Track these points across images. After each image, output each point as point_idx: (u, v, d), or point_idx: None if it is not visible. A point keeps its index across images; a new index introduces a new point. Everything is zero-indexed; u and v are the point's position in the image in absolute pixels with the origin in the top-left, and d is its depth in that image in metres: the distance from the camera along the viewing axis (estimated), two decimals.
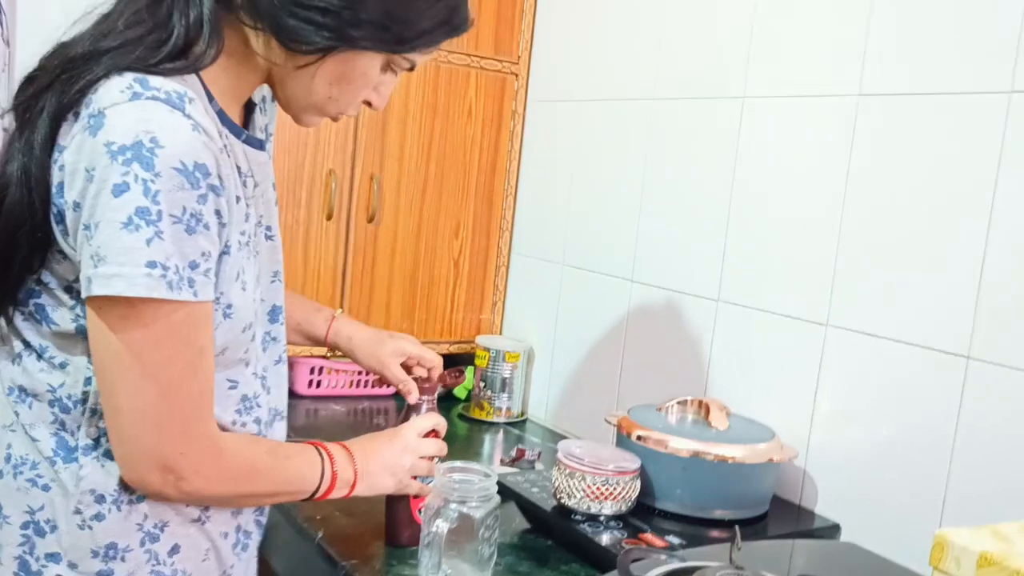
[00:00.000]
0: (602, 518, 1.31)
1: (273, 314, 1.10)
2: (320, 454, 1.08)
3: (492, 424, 2.03)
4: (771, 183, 1.55)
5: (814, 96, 1.47)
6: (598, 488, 1.30)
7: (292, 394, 2.01)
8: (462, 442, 1.91)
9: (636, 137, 1.84)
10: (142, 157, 0.84)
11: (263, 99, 1.11)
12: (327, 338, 1.35)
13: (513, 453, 1.76)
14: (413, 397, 1.30)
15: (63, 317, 0.94)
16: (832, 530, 1.39)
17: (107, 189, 0.84)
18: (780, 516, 1.41)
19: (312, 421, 1.92)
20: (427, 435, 1.23)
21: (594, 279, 1.93)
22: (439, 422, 1.25)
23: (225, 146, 0.93)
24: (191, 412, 0.93)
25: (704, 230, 1.67)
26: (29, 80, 0.94)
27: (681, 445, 1.36)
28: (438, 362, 1.36)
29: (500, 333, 2.20)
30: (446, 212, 2.08)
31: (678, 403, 1.49)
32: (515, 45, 2.10)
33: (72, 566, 0.95)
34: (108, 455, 0.95)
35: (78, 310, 0.93)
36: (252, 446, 1.02)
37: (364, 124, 1.94)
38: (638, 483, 1.34)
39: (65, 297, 0.94)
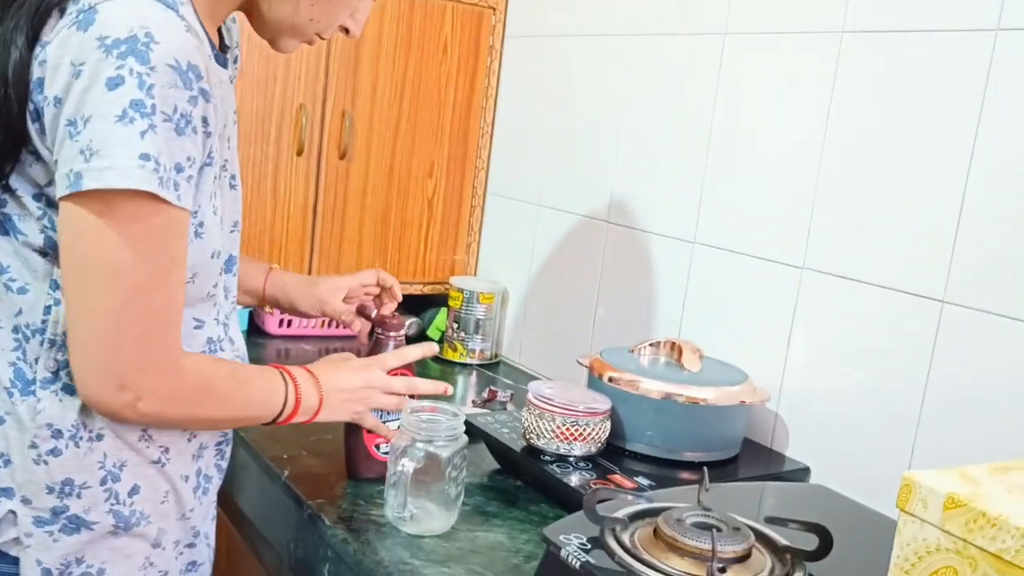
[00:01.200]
0: (571, 459, 1.30)
1: (228, 264, 1.07)
2: (284, 379, 1.06)
3: (465, 365, 2.01)
4: (750, 123, 1.52)
5: (797, 33, 1.44)
6: (568, 429, 1.29)
7: (263, 334, 2.00)
8: None
9: (615, 74, 1.79)
10: (137, 51, 0.82)
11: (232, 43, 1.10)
12: (264, 290, 1.34)
13: (485, 394, 1.75)
14: (356, 327, 1.34)
15: (31, 228, 0.91)
16: (802, 473, 1.39)
17: (100, 83, 0.82)
18: (751, 458, 1.41)
19: (282, 361, 1.88)
20: (398, 372, 1.22)
21: (570, 220, 1.90)
22: (410, 356, 1.23)
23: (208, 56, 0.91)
24: (152, 325, 0.89)
25: (682, 171, 1.64)
26: None
27: (652, 387, 1.35)
28: (383, 277, 1.36)
29: (475, 274, 2.17)
30: (420, 150, 2.03)
31: (651, 345, 1.48)
32: None
33: (25, 501, 0.93)
34: (67, 389, 0.92)
35: (45, 221, 0.90)
36: (214, 367, 1.00)
37: (336, 58, 1.89)
38: (608, 424, 1.32)
39: (33, 206, 0.90)
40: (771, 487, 1.27)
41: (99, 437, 0.94)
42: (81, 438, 0.93)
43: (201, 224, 0.94)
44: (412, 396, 1.22)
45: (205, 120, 0.89)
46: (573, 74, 1.91)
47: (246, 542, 1.48)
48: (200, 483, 1.05)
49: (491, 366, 2.03)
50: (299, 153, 1.88)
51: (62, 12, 0.86)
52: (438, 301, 2.13)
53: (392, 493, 1.17)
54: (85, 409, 0.93)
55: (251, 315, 2.03)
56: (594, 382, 1.41)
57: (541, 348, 1.99)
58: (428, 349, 1.25)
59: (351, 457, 1.30)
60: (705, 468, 1.09)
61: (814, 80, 1.40)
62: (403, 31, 1.95)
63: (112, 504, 0.96)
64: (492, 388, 1.76)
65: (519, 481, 1.36)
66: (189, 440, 1.02)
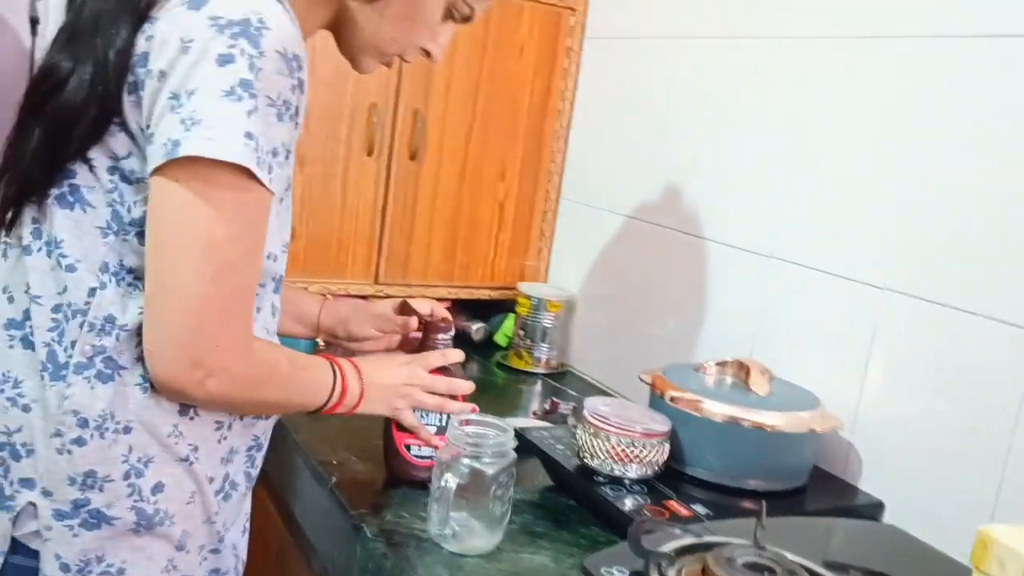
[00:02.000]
0: (626, 481, 1.24)
1: (277, 283, 1.06)
2: (333, 370, 1.08)
3: (531, 374, 1.96)
4: (833, 133, 1.43)
5: (885, 37, 1.34)
6: (623, 450, 1.23)
7: None
8: (498, 391, 1.86)
9: (695, 79, 1.72)
10: (249, 34, 0.84)
11: None
12: (319, 319, 1.34)
13: (547, 405, 1.70)
14: (413, 324, 1.31)
15: (99, 200, 0.92)
16: (875, 508, 1.30)
17: (210, 59, 0.84)
18: (820, 490, 1.32)
19: None
20: (439, 372, 1.21)
21: (644, 228, 1.83)
22: (453, 357, 1.22)
23: None
24: (236, 303, 0.90)
25: (762, 182, 1.56)
26: None
27: (716, 409, 1.28)
28: (436, 309, 1.33)
29: (545, 280, 2.12)
30: (492, 153, 1.99)
31: (717, 364, 1.40)
32: None
33: (46, 493, 0.92)
34: (100, 377, 0.91)
35: (115, 195, 0.91)
36: (276, 352, 1.01)
37: None
38: (667, 447, 1.26)
39: (106, 178, 0.91)
40: (838, 525, 1.18)
41: (127, 430, 0.92)
42: (107, 429, 0.92)
43: None
44: (454, 397, 1.21)
45: (298, 111, 0.91)
46: (652, 78, 1.84)
47: (296, 546, 1.47)
48: (224, 487, 1.03)
49: (557, 376, 1.97)
50: (369, 153, 1.86)
51: None
52: (507, 306, 2.09)
53: (435, 508, 1.13)
54: (115, 400, 0.91)
55: None
56: (655, 401, 1.35)
57: (608, 360, 1.93)
58: (455, 356, 1.24)
59: (384, 452, 1.30)
60: (763, 502, 1.02)
61: (904, 90, 1.31)
62: (479, 31, 1.92)
63: (135, 500, 0.94)
64: (554, 399, 1.71)
65: (572, 500, 1.30)
66: (219, 442, 1.00)
